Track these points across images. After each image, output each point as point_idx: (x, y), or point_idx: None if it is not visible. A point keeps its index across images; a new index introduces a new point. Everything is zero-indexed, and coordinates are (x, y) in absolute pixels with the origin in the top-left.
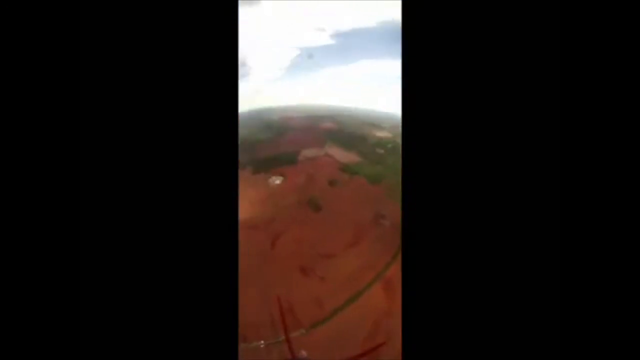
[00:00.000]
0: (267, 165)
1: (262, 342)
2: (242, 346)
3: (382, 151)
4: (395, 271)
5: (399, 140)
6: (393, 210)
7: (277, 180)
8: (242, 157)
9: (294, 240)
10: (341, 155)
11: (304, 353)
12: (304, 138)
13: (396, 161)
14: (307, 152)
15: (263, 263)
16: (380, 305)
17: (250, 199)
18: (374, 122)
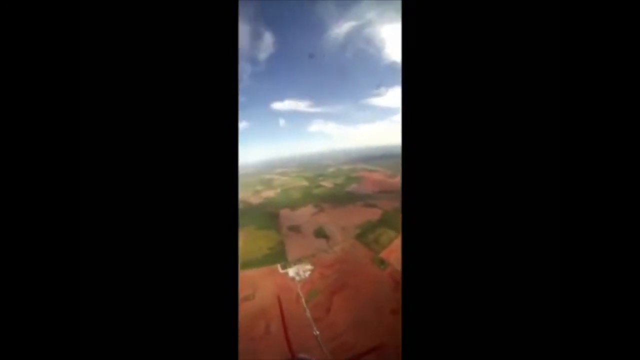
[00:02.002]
0: None
1: (317, 332)
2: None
3: None
4: None
5: None
6: None
7: None
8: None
9: None
10: None
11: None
12: None
13: None
14: None
15: (377, 287)
16: None
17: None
18: None
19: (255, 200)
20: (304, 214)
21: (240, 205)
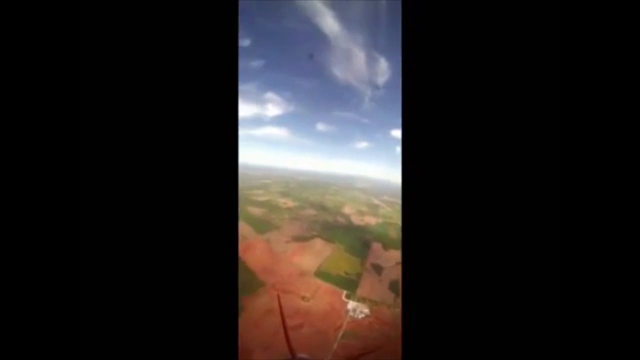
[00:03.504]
0: None
1: None
2: None
3: None
4: None
5: None
6: None
7: None
8: None
9: None
10: None
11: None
12: None
13: None
14: None
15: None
16: None
17: None
18: None
19: (356, 220)
20: (392, 259)
21: (343, 220)
